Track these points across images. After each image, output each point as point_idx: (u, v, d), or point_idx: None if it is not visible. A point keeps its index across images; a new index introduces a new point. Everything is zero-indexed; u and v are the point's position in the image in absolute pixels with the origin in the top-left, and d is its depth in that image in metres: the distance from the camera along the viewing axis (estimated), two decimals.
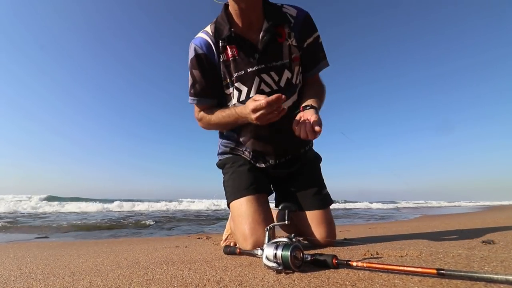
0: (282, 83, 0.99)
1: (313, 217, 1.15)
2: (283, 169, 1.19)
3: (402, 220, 4.59)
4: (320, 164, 1.30)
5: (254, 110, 0.83)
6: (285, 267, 0.64)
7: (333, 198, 1.25)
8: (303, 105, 0.93)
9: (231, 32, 0.93)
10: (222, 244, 1.49)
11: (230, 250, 0.99)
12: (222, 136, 1.24)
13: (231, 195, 1.13)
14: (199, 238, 2.15)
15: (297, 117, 0.87)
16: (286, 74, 0.99)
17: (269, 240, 0.73)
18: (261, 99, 0.81)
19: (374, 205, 12.95)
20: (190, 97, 1.05)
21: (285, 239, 0.69)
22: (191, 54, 0.99)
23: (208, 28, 0.99)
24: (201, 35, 1.00)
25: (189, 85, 1.03)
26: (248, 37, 0.96)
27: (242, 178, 1.12)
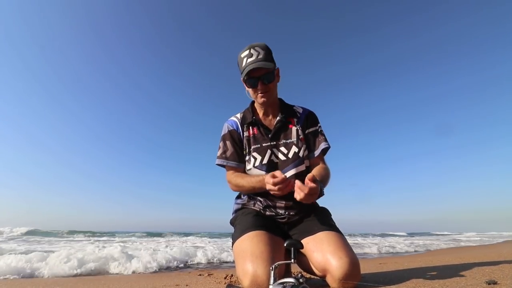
0: (290, 155, 1.24)
1: (324, 240, 1.05)
2: (291, 216, 1.22)
3: (415, 254, 4.36)
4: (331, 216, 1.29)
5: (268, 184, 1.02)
6: None
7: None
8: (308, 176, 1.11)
9: (253, 119, 1.28)
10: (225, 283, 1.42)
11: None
12: (237, 197, 1.37)
13: (235, 238, 1.14)
14: (200, 275, 2.05)
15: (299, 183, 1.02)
16: (294, 149, 1.24)
17: (274, 280, 0.69)
18: (276, 179, 0.99)
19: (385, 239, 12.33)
20: (220, 159, 1.29)
21: (291, 280, 0.64)
22: (226, 130, 1.32)
23: (238, 115, 1.36)
24: (232, 118, 1.35)
25: (220, 152, 1.31)
26: (265, 123, 1.30)
27: (248, 221, 1.15)
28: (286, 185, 1.00)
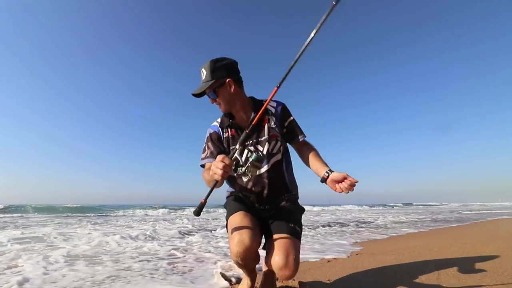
0: (264, 152, 1.38)
1: (279, 242, 1.23)
2: (264, 211, 1.42)
3: (392, 238, 4.44)
4: (302, 215, 1.48)
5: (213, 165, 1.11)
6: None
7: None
8: (324, 172, 1.25)
9: (230, 122, 1.42)
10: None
11: (198, 208, 1.18)
12: (229, 186, 1.57)
13: (227, 218, 1.36)
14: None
15: (334, 182, 1.20)
16: (267, 146, 1.38)
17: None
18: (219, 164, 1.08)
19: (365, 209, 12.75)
20: (201, 160, 1.43)
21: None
22: (208, 133, 1.46)
23: (218, 119, 1.49)
24: (214, 123, 1.49)
25: (202, 154, 1.44)
26: (241, 124, 1.41)
27: (235, 206, 1.38)
28: (227, 169, 1.08)
